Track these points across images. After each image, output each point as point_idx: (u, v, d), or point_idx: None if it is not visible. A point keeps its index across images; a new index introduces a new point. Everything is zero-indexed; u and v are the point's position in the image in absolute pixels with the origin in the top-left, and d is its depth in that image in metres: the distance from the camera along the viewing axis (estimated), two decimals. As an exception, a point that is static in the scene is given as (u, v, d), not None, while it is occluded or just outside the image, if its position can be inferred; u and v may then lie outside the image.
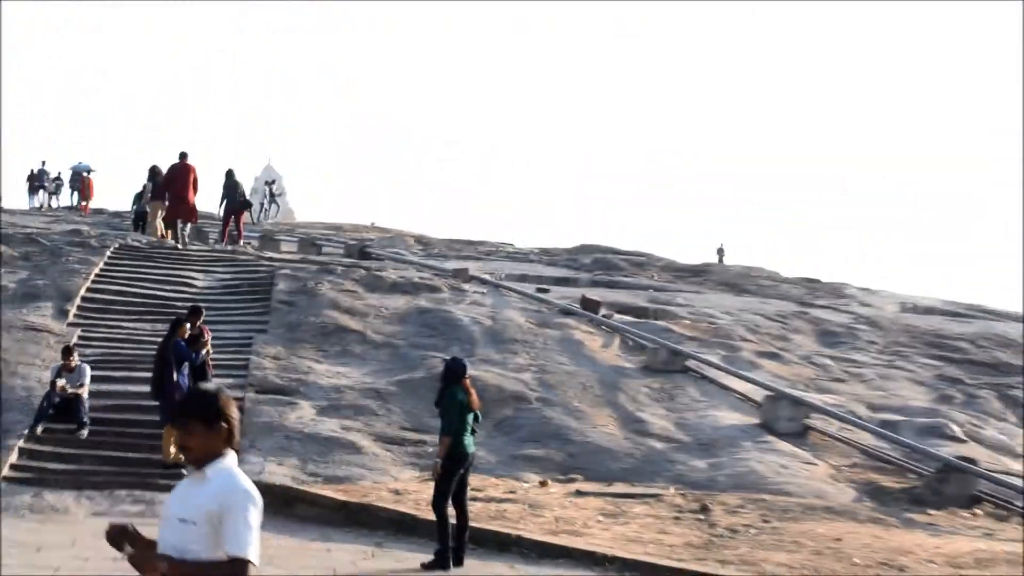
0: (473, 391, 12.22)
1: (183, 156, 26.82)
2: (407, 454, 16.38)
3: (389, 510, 13.64)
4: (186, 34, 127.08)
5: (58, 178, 45.65)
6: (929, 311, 31.07)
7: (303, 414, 17.18)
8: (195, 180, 26.68)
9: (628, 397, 18.98)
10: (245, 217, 32.06)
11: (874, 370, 22.60)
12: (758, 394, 19.17)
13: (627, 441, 17.32)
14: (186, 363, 15.93)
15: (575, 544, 12.53)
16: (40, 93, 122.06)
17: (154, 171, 29.22)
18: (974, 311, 31.99)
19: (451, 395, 11.99)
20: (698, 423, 18.24)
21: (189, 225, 27.66)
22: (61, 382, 16.56)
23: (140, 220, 30.76)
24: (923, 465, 17.01)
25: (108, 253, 24.34)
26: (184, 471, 4.40)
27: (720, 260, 44.88)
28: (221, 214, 30.15)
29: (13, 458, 15.40)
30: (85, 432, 16.26)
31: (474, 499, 13.01)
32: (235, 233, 29.68)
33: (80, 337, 19.20)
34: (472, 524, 12.15)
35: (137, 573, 4.28)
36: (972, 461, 16.61)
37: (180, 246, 26.43)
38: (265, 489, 14.09)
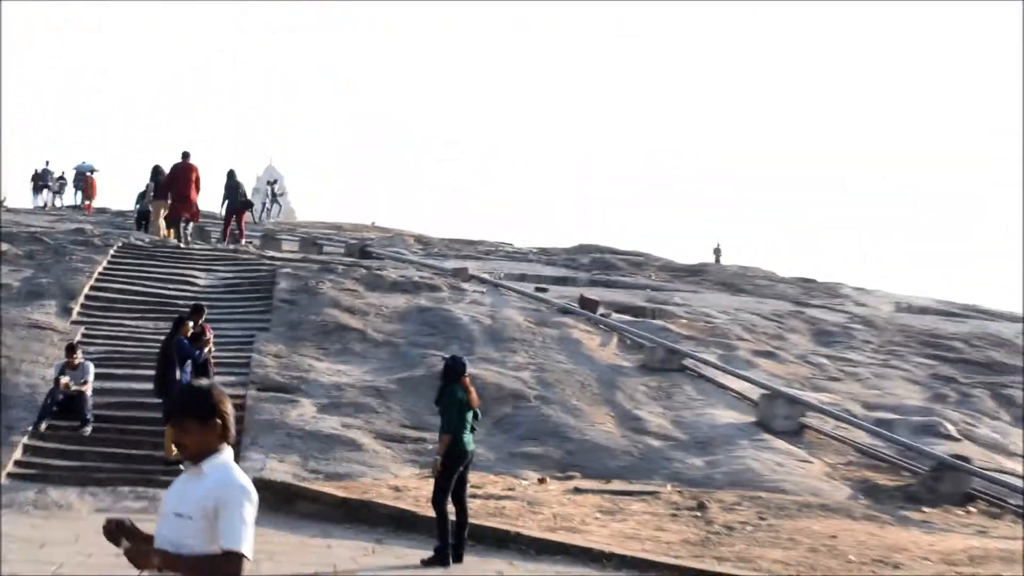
0: (472, 389, 12.22)
1: (185, 155, 26.90)
2: (407, 451, 16.37)
3: (389, 507, 13.63)
4: (187, 34, 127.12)
5: (62, 178, 45.66)
6: (923, 311, 31.09)
7: (304, 412, 17.17)
8: (197, 179, 26.77)
9: (626, 395, 18.98)
10: (247, 216, 32.13)
11: (869, 369, 22.61)
12: (754, 393, 19.18)
13: (625, 439, 17.32)
14: (189, 361, 15.93)
15: (573, 541, 12.52)
16: (42, 93, 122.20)
17: (157, 171, 29.32)
18: (968, 311, 32.01)
19: (451, 393, 11.98)
20: (695, 421, 18.24)
21: (191, 224, 27.70)
22: (65, 379, 16.55)
23: (143, 219, 30.79)
24: (918, 463, 17.03)
25: (111, 252, 24.32)
26: (182, 467, 4.39)
27: (717, 260, 44.86)
28: (223, 213, 30.25)
29: (18, 455, 15.39)
30: (89, 429, 16.25)
31: (473, 496, 13.01)
32: (237, 232, 29.79)
33: (84, 335, 19.19)
34: (471, 521, 12.14)
35: (134, 568, 4.28)
36: (966, 459, 16.63)
37: (182, 244, 26.46)
38: (266, 486, 14.21)
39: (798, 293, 31.97)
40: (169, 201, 27.24)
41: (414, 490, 14.27)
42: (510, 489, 14.97)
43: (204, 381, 4.64)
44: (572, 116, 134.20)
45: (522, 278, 28.29)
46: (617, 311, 24.56)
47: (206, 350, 16.46)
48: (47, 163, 45.51)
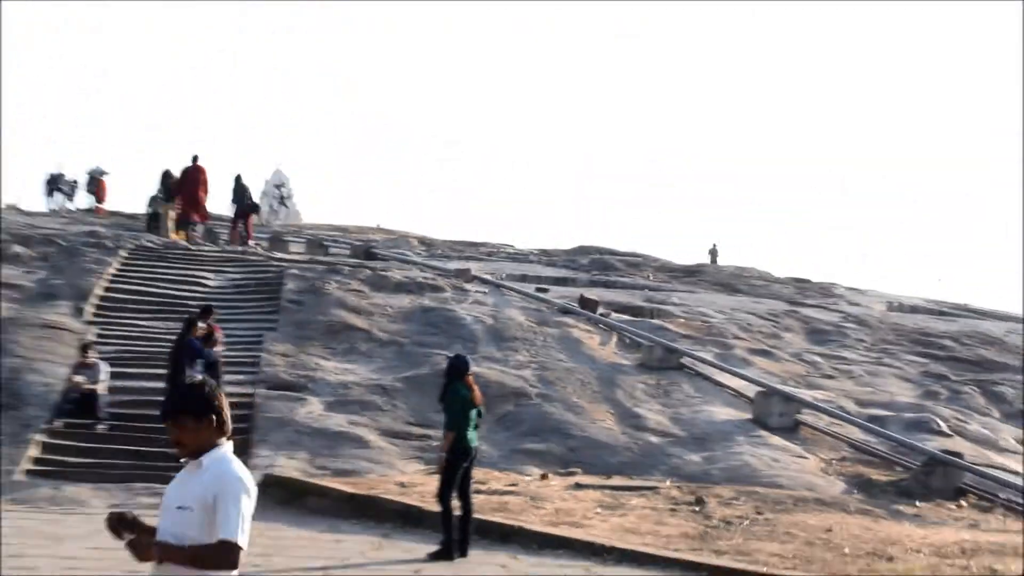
0: (476, 387, 12.26)
1: (195, 159, 27.18)
2: (412, 448, 16.40)
3: (396, 502, 13.66)
4: (187, 34, 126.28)
5: (74, 181, 45.64)
6: (914, 310, 31.14)
7: (312, 409, 17.20)
8: (205, 181, 27.10)
9: (625, 393, 19.00)
10: (254, 219, 32.28)
11: (862, 367, 22.64)
12: (750, 390, 19.20)
13: (624, 436, 17.35)
14: (200, 360, 15.96)
15: (575, 535, 12.56)
16: (51, 96, 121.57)
17: (166, 175, 29.50)
18: (958, 310, 32.05)
19: (454, 391, 12.02)
20: (693, 418, 18.26)
21: (200, 225, 27.89)
22: (79, 378, 16.59)
23: (154, 221, 30.86)
24: (910, 458, 17.04)
25: (124, 254, 24.35)
26: (181, 461, 4.42)
27: (713, 260, 44.84)
28: (233, 215, 30.56)
29: (34, 452, 15.44)
30: (103, 427, 16.29)
31: (477, 491, 13.02)
32: (244, 234, 29.94)
33: (97, 335, 19.23)
34: (475, 516, 12.17)
35: (136, 560, 4.31)
36: (957, 455, 16.64)
37: (192, 245, 26.57)
38: (276, 482, 14.25)
39: (793, 293, 32.00)
40: (179, 204, 27.43)
41: (420, 486, 14.29)
42: (513, 485, 15.00)
43: (197, 378, 4.65)
44: (572, 116, 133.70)
45: (523, 279, 28.33)
46: (616, 311, 24.58)
47: (217, 350, 16.50)
48: (60, 167, 45.60)
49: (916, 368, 22.98)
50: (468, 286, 24.61)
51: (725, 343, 22.71)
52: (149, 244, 26.38)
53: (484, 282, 25.46)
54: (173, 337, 17.39)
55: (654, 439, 17.35)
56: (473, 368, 12.84)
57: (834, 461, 17.13)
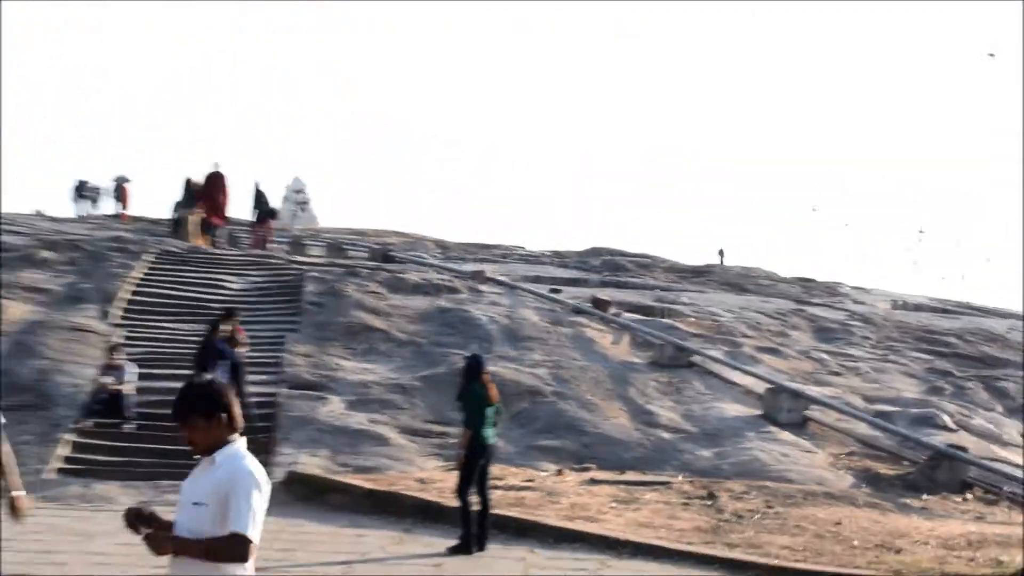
0: (492, 386, 12.26)
1: (216, 166, 27.51)
2: (431, 445, 16.40)
3: (415, 498, 13.67)
4: (191, 37, 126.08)
5: (97, 188, 45.80)
6: (918, 308, 31.07)
7: (333, 408, 17.21)
8: (226, 188, 27.36)
9: (637, 391, 18.99)
10: (273, 224, 32.55)
11: (868, 364, 22.59)
12: (760, 387, 19.18)
13: (637, 432, 17.34)
14: (224, 361, 15.98)
15: (590, 529, 12.55)
16: (54, 100, 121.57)
17: (188, 182, 29.70)
18: (961, 308, 31.98)
19: (471, 390, 12.03)
20: (704, 415, 18.24)
21: (222, 229, 28.12)
22: (107, 379, 16.64)
23: (177, 226, 31.00)
24: (916, 453, 17.01)
25: (149, 258, 24.39)
26: (195, 458, 4.43)
27: (721, 261, 44.77)
28: (254, 220, 30.98)
29: (65, 451, 15.49)
30: (131, 426, 16.33)
31: (495, 487, 13.01)
32: (264, 239, 30.26)
33: (124, 337, 19.26)
34: (493, 511, 12.17)
35: (153, 554, 4.32)
36: (962, 449, 16.61)
37: (214, 248, 26.71)
38: (299, 479, 14.27)
39: (799, 292, 31.97)
40: (202, 209, 27.65)
41: (439, 482, 14.29)
42: (529, 480, 15.00)
43: (205, 377, 4.64)
44: (572, 117, 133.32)
45: (536, 280, 28.32)
46: (628, 311, 24.56)
47: (240, 351, 16.52)
48: (85, 175, 45.83)
49: (921, 365, 22.93)
50: (483, 287, 24.59)
51: (734, 341, 22.68)
52: (173, 248, 26.43)
53: (499, 283, 25.44)
54: (198, 339, 17.43)
55: (666, 435, 17.33)
56: (489, 367, 12.84)
57: (842, 456, 17.10)
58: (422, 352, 19.91)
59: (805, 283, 34.54)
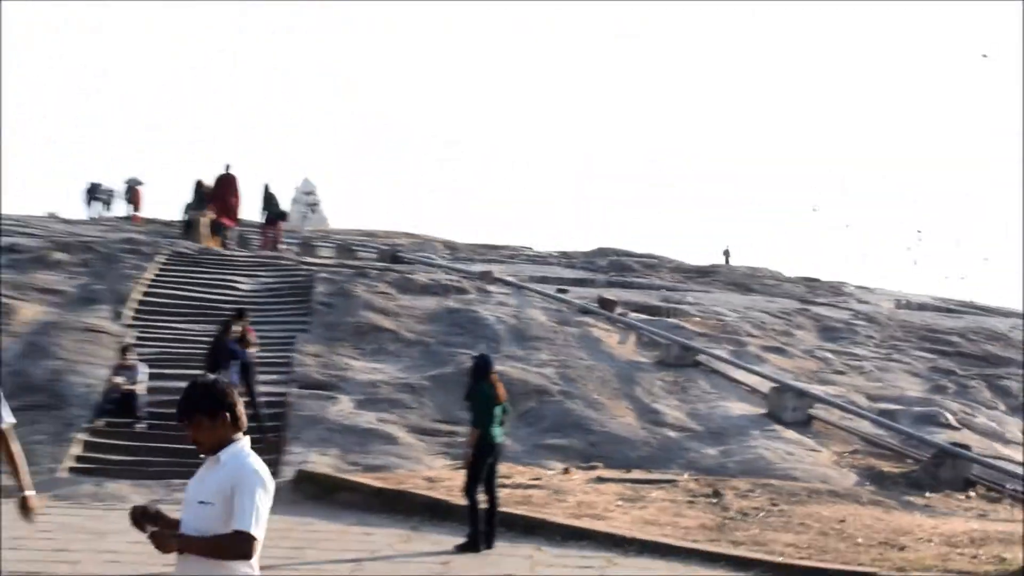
0: (500, 385, 12.23)
1: (227, 168, 27.53)
2: (439, 444, 16.39)
3: (424, 496, 13.65)
4: (191, 37, 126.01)
5: (109, 190, 45.90)
6: (922, 307, 31.01)
7: (342, 407, 17.21)
8: (237, 189, 27.42)
9: (644, 390, 18.96)
10: (283, 225, 32.59)
11: (872, 363, 22.55)
12: (764, 386, 19.15)
13: (643, 431, 17.31)
14: (235, 361, 15.99)
15: (597, 527, 12.52)
16: (54, 101, 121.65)
17: (199, 185, 29.76)
18: (964, 307, 31.90)
19: (479, 389, 12.01)
20: (709, 413, 18.21)
21: (232, 230, 28.17)
22: (119, 379, 16.64)
23: (189, 228, 31.05)
24: (919, 451, 16.97)
25: (160, 259, 24.41)
26: (201, 457, 4.42)
27: (726, 261, 44.76)
28: (264, 221, 30.99)
29: (77, 450, 15.50)
30: (142, 426, 16.34)
31: (502, 486, 12.99)
32: (274, 240, 30.29)
33: (136, 337, 19.27)
34: (501, 509, 12.15)
35: (159, 552, 4.31)
36: (965, 447, 16.57)
37: (225, 249, 26.74)
38: (309, 478, 14.26)
39: (803, 292, 31.92)
40: (213, 211, 27.72)
41: (447, 480, 14.28)
42: (537, 479, 14.98)
43: (207, 376, 4.63)
44: (572, 117, 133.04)
45: (543, 280, 28.31)
46: (634, 310, 24.54)
47: (250, 351, 16.53)
48: (98, 178, 45.93)
49: (924, 363, 22.88)
50: (491, 288, 24.59)
51: (739, 341, 22.64)
52: (184, 250, 26.46)
53: (506, 284, 25.43)
54: (209, 339, 17.44)
55: (672, 434, 17.31)
56: (497, 367, 12.82)
57: (846, 454, 17.07)
58: (430, 352, 19.90)
59: (810, 283, 34.50)
